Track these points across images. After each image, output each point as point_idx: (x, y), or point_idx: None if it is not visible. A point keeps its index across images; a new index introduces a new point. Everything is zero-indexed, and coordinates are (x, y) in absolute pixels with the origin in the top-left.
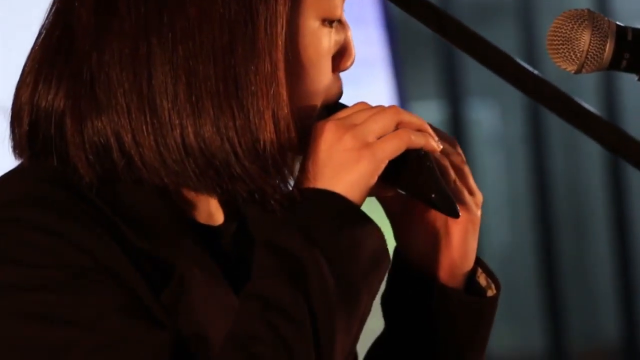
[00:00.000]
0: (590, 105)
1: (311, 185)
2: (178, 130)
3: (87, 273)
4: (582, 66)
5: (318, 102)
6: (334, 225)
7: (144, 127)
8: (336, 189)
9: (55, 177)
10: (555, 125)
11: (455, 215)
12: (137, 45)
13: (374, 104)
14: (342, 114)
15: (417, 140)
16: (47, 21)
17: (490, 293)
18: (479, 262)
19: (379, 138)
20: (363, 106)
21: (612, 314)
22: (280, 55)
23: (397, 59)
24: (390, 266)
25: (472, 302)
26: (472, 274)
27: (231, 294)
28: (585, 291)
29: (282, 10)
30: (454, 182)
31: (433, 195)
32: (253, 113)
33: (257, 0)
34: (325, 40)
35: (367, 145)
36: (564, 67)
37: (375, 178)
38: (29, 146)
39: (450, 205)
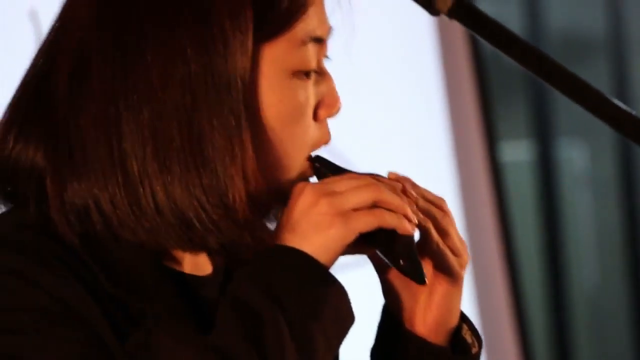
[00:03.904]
0: None
1: (283, 242)
2: (149, 191)
3: (55, 318)
4: None
5: (298, 151)
6: (298, 284)
7: (117, 190)
8: (305, 249)
9: (38, 225)
10: None
11: (421, 282)
12: (107, 109)
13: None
14: (327, 179)
15: (391, 222)
16: (27, 79)
17: (474, 350)
18: (464, 319)
19: (355, 210)
20: (349, 175)
21: None
22: (242, 113)
23: (487, 98)
24: (380, 320)
25: (455, 359)
26: (458, 330)
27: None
28: None
29: (243, 69)
30: (437, 244)
31: (401, 262)
32: (218, 169)
33: (217, 60)
34: (300, 92)
35: (341, 213)
36: None
37: (345, 245)
38: (10, 200)
39: (417, 273)
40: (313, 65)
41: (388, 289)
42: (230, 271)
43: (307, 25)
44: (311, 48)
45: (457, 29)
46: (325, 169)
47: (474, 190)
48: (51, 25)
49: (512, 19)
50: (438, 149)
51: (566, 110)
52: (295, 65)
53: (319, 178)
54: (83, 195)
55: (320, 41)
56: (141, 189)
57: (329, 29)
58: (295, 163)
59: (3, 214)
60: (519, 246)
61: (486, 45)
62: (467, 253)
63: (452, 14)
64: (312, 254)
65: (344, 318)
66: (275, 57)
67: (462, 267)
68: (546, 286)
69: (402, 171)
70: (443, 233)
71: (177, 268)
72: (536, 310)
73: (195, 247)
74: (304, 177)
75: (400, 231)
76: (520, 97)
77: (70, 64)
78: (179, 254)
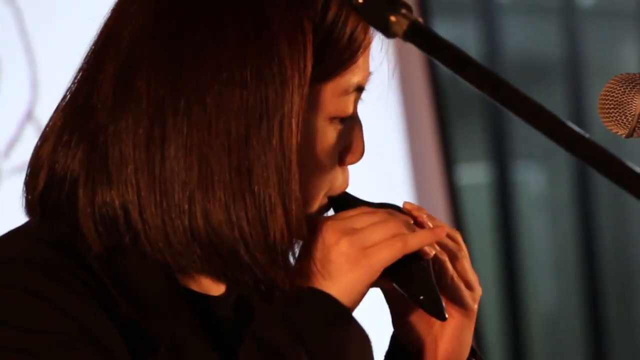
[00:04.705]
0: (638, 167)
1: (305, 282)
2: (186, 215)
3: (72, 341)
4: (634, 130)
5: (320, 193)
6: (323, 328)
7: (152, 206)
8: (330, 291)
9: (58, 241)
10: (602, 187)
11: (441, 318)
12: (152, 125)
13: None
14: (345, 214)
15: (411, 246)
16: (73, 85)
17: None
18: (474, 353)
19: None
20: (366, 209)
21: None
22: (293, 152)
23: (444, 121)
24: (388, 349)
25: None
26: None
27: None
28: (633, 355)
29: (298, 109)
30: (452, 278)
31: (421, 297)
32: (265, 206)
33: (274, 98)
34: (333, 137)
35: (363, 252)
36: (615, 130)
37: (369, 284)
38: (40, 207)
39: (437, 309)
40: (350, 112)
41: (399, 320)
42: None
43: (354, 75)
44: (352, 96)
45: (414, 52)
46: (342, 201)
47: (431, 212)
48: (103, 21)
49: (470, 42)
50: (396, 171)
51: (523, 133)
52: (336, 111)
53: (335, 211)
54: (113, 205)
55: (361, 90)
56: (179, 211)
57: (369, 76)
58: (318, 201)
59: (24, 225)
60: (476, 268)
61: (443, 69)
62: (479, 287)
63: (408, 36)
64: (337, 297)
65: None
66: (320, 100)
67: (476, 301)
68: (503, 307)
69: (359, 193)
70: (458, 266)
71: (194, 287)
72: (494, 331)
73: (227, 280)
74: (322, 211)
75: (422, 252)
76: (478, 120)
77: (118, 71)
78: (194, 273)
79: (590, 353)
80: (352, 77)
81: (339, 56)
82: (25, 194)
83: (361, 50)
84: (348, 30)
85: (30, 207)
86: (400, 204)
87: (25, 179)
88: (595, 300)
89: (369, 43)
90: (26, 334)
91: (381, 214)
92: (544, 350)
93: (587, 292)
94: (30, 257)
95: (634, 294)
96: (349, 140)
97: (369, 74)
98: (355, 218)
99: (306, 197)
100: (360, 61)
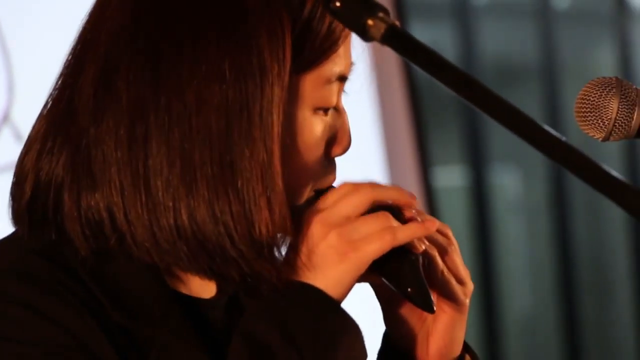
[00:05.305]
0: (614, 170)
1: (295, 277)
2: (171, 212)
3: (62, 351)
4: (610, 134)
5: (307, 185)
6: (311, 320)
7: (137, 207)
8: (318, 284)
9: (46, 250)
10: (578, 191)
11: (430, 310)
12: (134, 124)
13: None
14: (327, 200)
15: (401, 239)
16: (54, 91)
17: None
18: (467, 348)
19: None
20: (345, 187)
21: None
22: (275, 144)
23: (421, 124)
24: (380, 347)
25: None
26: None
27: None
28: (609, 356)
29: (278, 100)
30: (442, 272)
31: (409, 290)
32: (249, 199)
33: (254, 90)
34: (318, 128)
35: (351, 245)
36: (591, 134)
37: (357, 277)
38: (28, 215)
39: (425, 301)
40: (334, 102)
41: (390, 317)
42: (235, 293)
43: (335, 65)
44: (335, 86)
45: (391, 55)
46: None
47: None
48: (81, 25)
49: (446, 45)
50: (372, 173)
51: (499, 136)
52: (319, 102)
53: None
54: (98, 208)
55: (344, 79)
56: (163, 209)
57: (351, 66)
58: (304, 193)
59: (12, 235)
60: None
61: (420, 72)
62: (471, 281)
63: (385, 40)
64: (325, 290)
65: (357, 357)
66: (302, 91)
67: (467, 295)
68: (480, 309)
69: None
70: (448, 261)
71: (183, 290)
72: (470, 333)
73: (213, 275)
74: (309, 203)
75: (411, 245)
76: (454, 123)
77: (98, 73)
78: (186, 275)
79: (566, 355)
80: (334, 67)
81: (319, 46)
82: (11, 204)
83: (341, 39)
84: (327, 20)
85: (17, 216)
86: None
87: (11, 188)
88: (570, 302)
89: (350, 32)
90: (16, 345)
91: (364, 191)
92: (520, 352)
93: (563, 294)
94: (19, 269)
95: (609, 296)
96: (335, 132)
97: (351, 63)
98: (339, 205)
99: (292, 190)
100: (341, 50)
